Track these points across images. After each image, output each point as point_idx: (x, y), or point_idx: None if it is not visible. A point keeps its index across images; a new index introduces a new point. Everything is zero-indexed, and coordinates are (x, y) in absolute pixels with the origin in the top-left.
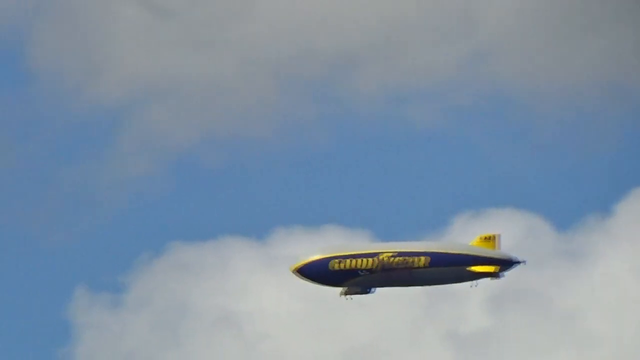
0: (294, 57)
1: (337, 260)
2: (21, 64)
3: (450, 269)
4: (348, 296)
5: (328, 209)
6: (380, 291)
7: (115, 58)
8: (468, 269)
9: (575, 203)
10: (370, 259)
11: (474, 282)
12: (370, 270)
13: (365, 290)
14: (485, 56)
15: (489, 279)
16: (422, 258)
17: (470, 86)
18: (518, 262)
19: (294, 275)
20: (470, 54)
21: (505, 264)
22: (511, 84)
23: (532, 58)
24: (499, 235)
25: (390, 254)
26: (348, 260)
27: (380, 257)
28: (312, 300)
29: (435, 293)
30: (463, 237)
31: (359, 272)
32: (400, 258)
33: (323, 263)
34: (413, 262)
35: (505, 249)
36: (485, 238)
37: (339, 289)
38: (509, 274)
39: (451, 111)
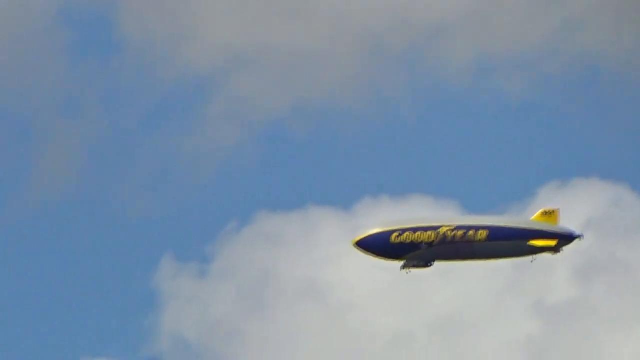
0: (385, 26)
1: (397, 233)
2: (111, 32)
3: (509, 242)
4: (407, 269)
5: (415, 178)
6: (444, 265)
7: (205, 26)
8: (527, 243)
9: None
10: (430, 232)
11: (533, 256)
12: (429, 244)
13: (425, 263)
14: (575, 25)
15: (548, 253)
16: (482, 231)
17: (559, 55)
18: (577, 237)
19: (355, 249)
20: (561, 23)
21: (565, 238)
22: (601, 53)
23: (623, 27)
24: (559, 210)
25: (450, 227)
26: (408, 233)
27: (440, 231)
28: (397, 270)
29: (519, 263)
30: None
31: (420, 245)
32: (460, 231)
33: (383, 236)
34: (473, 235)
35: (590, 220)
36: (546, 212)
37: (399, 262)
38: (595, 244)
39: (540, 81)
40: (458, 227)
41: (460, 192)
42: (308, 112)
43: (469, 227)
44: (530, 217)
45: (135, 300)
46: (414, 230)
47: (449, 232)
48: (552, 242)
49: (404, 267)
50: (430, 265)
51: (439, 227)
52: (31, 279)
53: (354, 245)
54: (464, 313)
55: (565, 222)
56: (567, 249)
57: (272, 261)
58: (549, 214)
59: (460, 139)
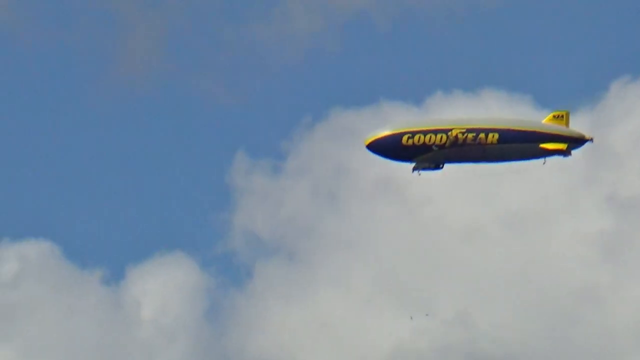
0: None
1: (408, 135)
2: None
3: (520, 145)
4: (418, 171)
5: (488, 73)
6: (453, 167)
7: None
8: (538, 146)
9: None
10: (441, 135)
11: (544, 159)
12: (441, 146)
13: (435, 165)
14: None
15: (559, 156)
16: (493, 134)
17: None
18: (588, 140)
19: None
20: None
21: (576, 141)
22: None
23: None
24: (570, 113)
25: (462, 130)
26: (419, 136)
27: (452, 133)
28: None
29: (592, 158)
30: (618, 103)
31: (432, 147)
32: (471, 134)
33: (395, 138)
34: (484, 138)
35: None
36: (557, 116)
37: (411, 165)
38: None
39: None
40: (469, 130)
41: (534, 87)
42: (390, 4)
43: (480, 130)
44: (543, 120)
45: (209, 196)
46: (426, 132)
47: (460, 134)
48: (562, 146)
49: (415, 169)
50: (441, 167)
51: (450, 129)
52: (107, 172)
53: (365, 147)
54: (537, 208)
55: (577, 125)
56: None
57: (346, 157)
58: (560, 117)
59: (535, 33)
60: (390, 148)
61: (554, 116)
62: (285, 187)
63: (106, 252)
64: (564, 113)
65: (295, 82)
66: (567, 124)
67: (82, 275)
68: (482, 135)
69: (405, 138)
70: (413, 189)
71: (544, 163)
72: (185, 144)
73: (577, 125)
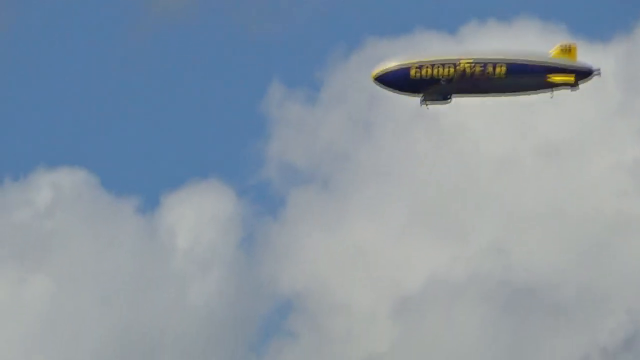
0: None
1: (416, 68)
2: None
3: (527, 78)
4: (426, 104)
5: (523, 1)
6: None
7: None
8: (546, 78)
9: None
10: (449, 67)
11: (552, 91)
12: (449, 79)
13: (443, 98)
14: None
15: (567, 89)
16: (500, 67)
17: None
18: (595, 72)
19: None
20: None
21: (583, 73)
22: None
23: None
24: (577, 46)
25: (469, 63)
26: (427, 68)
27: (459, 66)
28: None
29: (626, 86)
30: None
31: (440, 80)
32: (479, 67)
33: (402, 71)
34: (492, 71)
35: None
36: (564, 48)
37: (418, 97)
38: None
39: None
40: (477, 62)
41: (569, 16)
42: None
43: (488, 62)
44: (550, 52)
45: (244, 125)
46: (434, 65)
47: (468, 67)
48: (570, 78)
49: (422, 102)
50: (449, 100)
51: (458, 62)
52: (143, 100)
53: (373, 79)
54: (572, 138)
55: (584, 58)
56: None
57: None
58: (567, 50)
59: None
60: (398, 80)
61: (561, 48)
62: (319, 116)
63: (141, 180)
64: (571, 46)
65: (331, 11)
66: (574, 56)
67: (117, 204)
68: (489, 67)
69: (413, 71)
70: (448, 118)
71: (551, 96)
72: (220, 73)
73: (613, 54)
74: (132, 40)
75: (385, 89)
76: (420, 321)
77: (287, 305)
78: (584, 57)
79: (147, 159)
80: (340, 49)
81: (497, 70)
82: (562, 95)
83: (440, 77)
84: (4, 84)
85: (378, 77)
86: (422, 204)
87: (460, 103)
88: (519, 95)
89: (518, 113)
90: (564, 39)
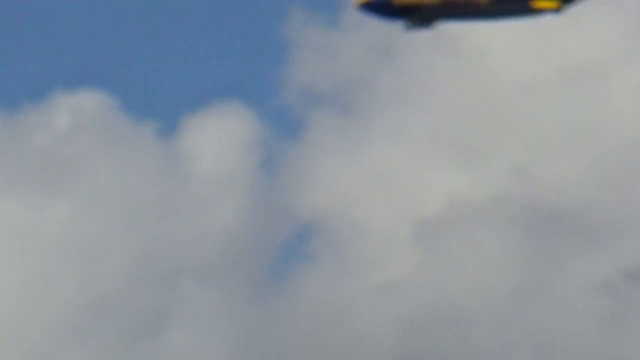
0: None
1: None
2: None
3: (511, 4)
4: (409, 29)
5: None
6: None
7: None
8: (530, 3)
9: None
10: None
11: (535, 15)
12: (432, 5)
13: (427, 24)
14: None
15: (551, 13)
16: None
17: None
18: None
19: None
20: None
21: None
22: None
23: None
24: None
25: None
26: None
27: None
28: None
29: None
30: None
31: (423, 6)
32: None
33: None
34: None
35: None
36: None
37: (403, 24)
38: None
39: None
40: None
41: None
42: None
43: None
44: None
45: (263, 48)
46: None
47: None
48: (553, 4)
49: (406, 27)
50: (432, 26)
51: None
52: (163, 23)
53: (357, 6)
54: (596, 59)
55: None
56: None
57: None
58: None
59: None
60: (381, 7)
61: None
62: (340, 41)
63: (161, 104)
64: None
65: None
66: None
67: (137, 127)
68: None
69: None
70: (469, 41)
71: (535, 19)
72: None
73: None
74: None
75: (368, 15)
76: (443, 244)
77: (307, 230)
78: None
79: (167, 82)
80: None
81: None
82: (583, 15)
83: (424, 2)
84: (20, 3)
85: (362, 5)
86: (444, 126)
87: (475, 28)
88: (503, 20)
89: (540, 35)
90: None
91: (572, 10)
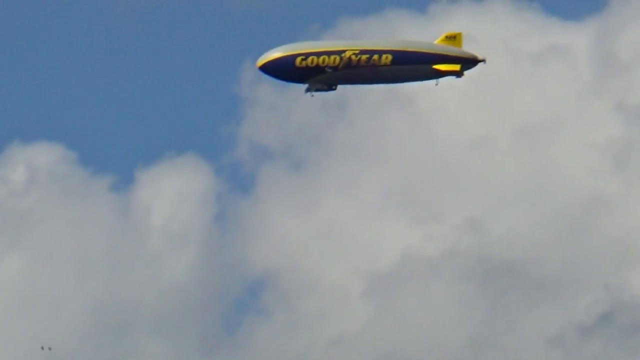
0: None
1: (302, 57)
2: None
3: (414, 67)
4: (311, 93)
5: None
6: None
7: None
8: (432, 67)
9: None
10: (335, 56)
11: (437, 80)
12: (334, 68)
13: (329, 87)
14: None
15: (452, 77)
16: (386, 56)
17: None
18: (480, 61)
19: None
20: None
21: (469, 62)
22: None
23: None
24: (462, 34)
25: (355, 52)
26: (313, 57)
27: (345, 55)
28: (478, 77)
29: (599, 66)
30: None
31: (325, 68)
32: (365, 56)
33: (288, 60)
34: (377, 59)
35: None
36: (449, 36)
37: (304, 86)
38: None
39: None
40: (363, 52)
41: None
42: None
43: (373, 52)
44: (435, 41)
45: (217, 105)
46: (319, 54)
47: (353, 56)
48: (456, 67)
49: (307, 90)
50: (334, 89)
51: (343, 51)
52: (119, 77)
53: (258, 68)
54: (546, 116)
55: (469, 46)
56: None
57: None
58: (452, 38)
59: None
60: (283, 70)
61: (446, 37)
62: (292, 97)
63: (115, 158)
64: (456, 34)
65: None
66: (460, 44)
67: (92, 181)
68: (375, 56)
69: (298, 60)
70: (421, 98)
71: (436, 84)
72: (194, 51)
73: (584, 31)
74: (111, 15)
75: (271, 77)
76: (396, 298)
77: (259, 284)
78: (557, 35)
79: (120, 136)
80: (313, 28)
81: (384, 59)
82: (536, 74)
83: (326, 66)
84: None
85: (263, 66)
86: (395, 182)
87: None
88: (405, 83)
89: (492, 93)
90: (537, 18)
91: (525, 69)
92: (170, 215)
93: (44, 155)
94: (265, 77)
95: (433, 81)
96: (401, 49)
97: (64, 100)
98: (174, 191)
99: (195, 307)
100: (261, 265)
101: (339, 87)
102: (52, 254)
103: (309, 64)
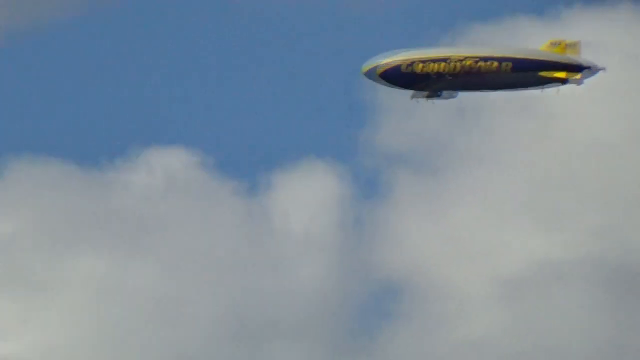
0: None
1: (407, 64)
2: None
3: (520, 74)
4: (417, 99)
5: None
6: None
7: None
8: (538, 74)
9: None
10: (441, 63)
11: (558, 88)
12: (441, 74)
13: (435, 93)
14: None
15: (572, 84)
16: (507, 63)
17: None
18: (600, 69)
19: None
20: None
21: (587, 70)
22: None
23: None
24: (580, 42)
25: (475, 59)
26: (418, 64)
27: (452, 63)
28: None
29: None
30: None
31: (445, 76)
32: (469, 61)
33: (394, 67)
34: (498, 66)
35: None
36: (569, 45)
37: (410, 92)
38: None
39: None
40: (482, 59)
41: None
42: None
43: (493, 59)
44: (539, 47)
45: (348, 110)
46: (425, 61)
47: (459, 63)
48: (561, 74)
49: (413, 97)
50: (440, 95)
51: (449, 58)
52: (254, 81)
53: (378, 75)
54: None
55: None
56: None
57: None
58: (557, 44)
59: None
60: (389, 76)
61: (566, 45)
62: (424, 105)
63: (249, 163)
64: (566, 42)
65: None
66: (577, 52)
67: (222, 186)
68: (495, 63)
69: (404, 66)
70: (545, 105)
71: (558, 92)
72: (314, 50)
73: None
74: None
75: (378, 83)
76: (525, 304)
77: (391, 289)
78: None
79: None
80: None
81: (503, 66)
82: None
83: (432, 72)
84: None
85: (382, 74)
86: (525, 189)
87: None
88: (511, 91)
89: (617, 98)
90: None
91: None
92: (303, 220)
93: (174, 159)
94: (383, 83)
95: (554, 88)
96: (517, 56)
97: (200, 105)
98: (305, 195)
99: (327, 312)
100: (393, 271)
101: (460, 94)
102: (186, 259)
103: (415, 71)
